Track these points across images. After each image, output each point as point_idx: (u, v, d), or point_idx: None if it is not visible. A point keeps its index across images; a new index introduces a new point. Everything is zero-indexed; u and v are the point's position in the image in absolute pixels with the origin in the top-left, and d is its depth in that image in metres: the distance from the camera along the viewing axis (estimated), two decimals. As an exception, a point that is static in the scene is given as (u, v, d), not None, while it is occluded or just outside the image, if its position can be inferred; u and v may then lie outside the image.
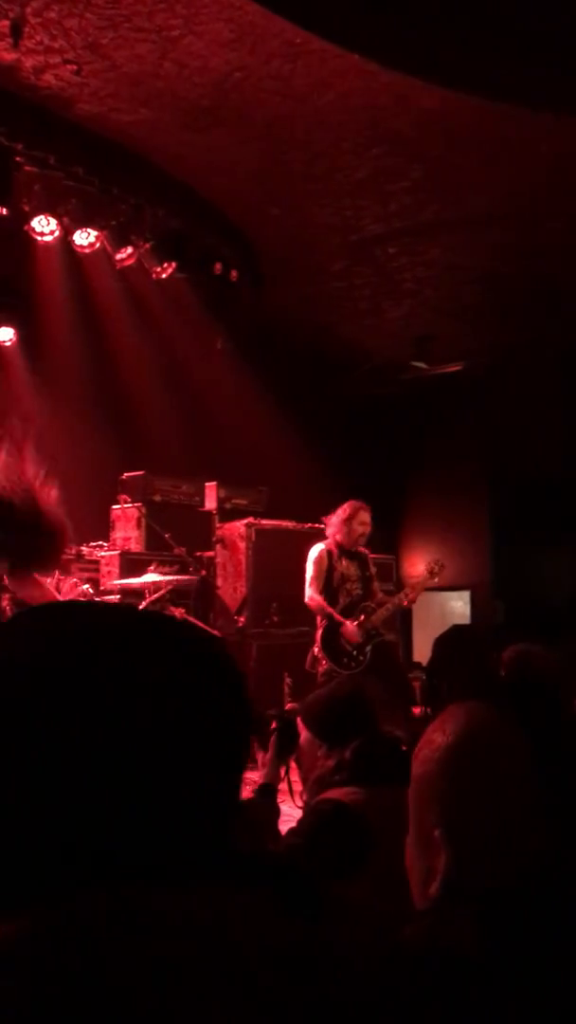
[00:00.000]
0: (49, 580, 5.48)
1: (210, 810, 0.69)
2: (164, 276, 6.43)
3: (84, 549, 6.63)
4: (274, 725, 2.76)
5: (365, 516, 6.01)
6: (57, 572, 5.86)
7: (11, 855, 0.65)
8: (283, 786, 2.79)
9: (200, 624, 6.49)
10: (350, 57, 5.01)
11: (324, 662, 5.87)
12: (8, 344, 8.06)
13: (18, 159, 5.54)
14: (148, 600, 5.29)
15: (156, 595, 5.36)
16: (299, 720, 2.61)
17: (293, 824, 2.29)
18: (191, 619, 6.41)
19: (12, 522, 3.42)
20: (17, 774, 0.65)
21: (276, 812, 2.68)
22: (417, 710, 5.98)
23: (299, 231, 7.08)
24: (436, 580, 6.33)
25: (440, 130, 5.67)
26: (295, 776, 2.78)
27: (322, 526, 6.20)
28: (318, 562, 5.96)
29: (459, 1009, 0.92)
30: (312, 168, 6.20)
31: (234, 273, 6.71)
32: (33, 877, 0.64)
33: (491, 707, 1.24)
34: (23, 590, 4.22)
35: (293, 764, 2.79)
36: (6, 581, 4.23)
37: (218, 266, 6.54)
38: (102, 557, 6.87)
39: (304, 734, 2.55)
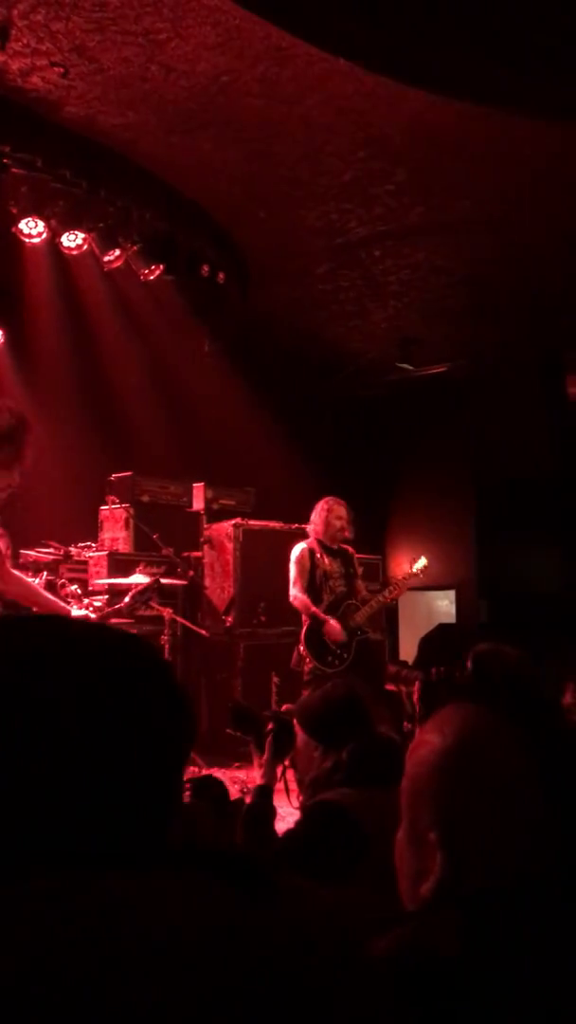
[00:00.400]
0: (37, 581, 5.51)
1: (145, 804, 0.73)
2: (152, 278, 6.46)
3: (72, 549, 6.65)
4: (270, 727, 2.80)
5: (340, 510, 6.11)
6: (44, 573, 5.88)
7: None
8: (279, 787, 2.82)
9: (188, 624, 6.52)
10: (335, 61, 5.06)
11: (309, 660, 5.91)
12: (-5, 345, 8.07)
13: (5, 161, 5.56)
14: (132, 592, 5.31)
15: (138, 588, 5.37)
16: (295, 722, 2.65)
17: (290, 825, 2.32)
18: (179, 619, 6.44)
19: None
20: None
21: (273, 813, 2.72)
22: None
23: (285, 234, 7.12)
24: (420, 576, 6.38)
25: (425, 134, 5.72)
26: (291, 777, 2.81)
27: (309, 526, 6.27)
28: (300, 561, 6.03)
29: (434, 1009, 0.91)
30: (298, 171, 6.24)
31: (221, 275, 6.75)
32: None
33: (487, 708, 1.24)
34: (8, 587, 4.23)
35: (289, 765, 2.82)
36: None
37: (205, 268, 6.57)
38: (90, 558, 6.89)
39: (300, 736, 2.58)
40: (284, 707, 3.16)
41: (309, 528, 6.20)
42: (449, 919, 1.02)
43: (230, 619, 7.04)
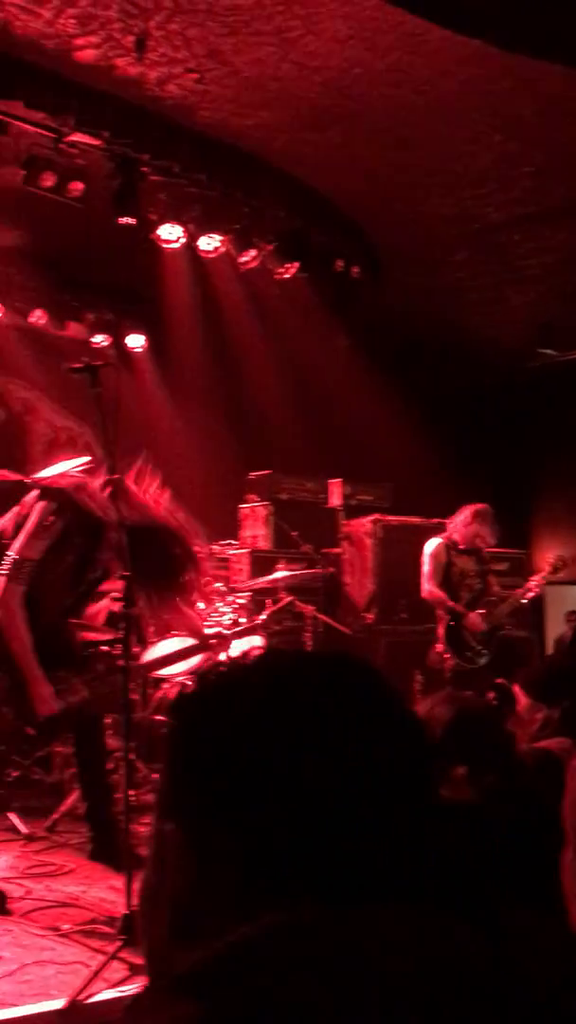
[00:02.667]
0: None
1: (405, 839, 0.73)
2: (287, 276, 6.48)
3: (214, 547, 6.76)
4: (492, 695, 3.10)
5: (485, 531, 5.92)
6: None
7: (254, 869, 0.71)
8: None
9: (329, 621, 6.53)
10: (471, 44, 4.93)
11: (449, 658, 5.82)
12: (139, 351, 8.30)
13: (144, 169, 5.69)
14: (271, 609, 5.34)
15: (279, 604, 5.40)
16: (516, 688, 2.95)
17: None
18: (320, 616, 6.45)
19: (146, 550, 3.56)
20: (270, 800, 0.72)
21: None
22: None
23: (420, 223, 7.01)
24: (560, 575, 6.16)
25: (562, 112, 5.50)
26: None
27: (449, 522, 6.16)
28: (435, 556, 5.92)
29: None
30: (432, 159, 6.13)
31: (355, 269, 6.70)
32: (270, 887, 0.70)
33: None
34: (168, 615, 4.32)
35: None
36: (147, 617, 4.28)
37: (339, 263, 6.55)
38: (232, 555, 6.99)
39: (523, 700, 2.84)
40: (498, 680, 3.54)
41: (449, 524, 6.08)
42: None
43: (371, 616, 7.00)
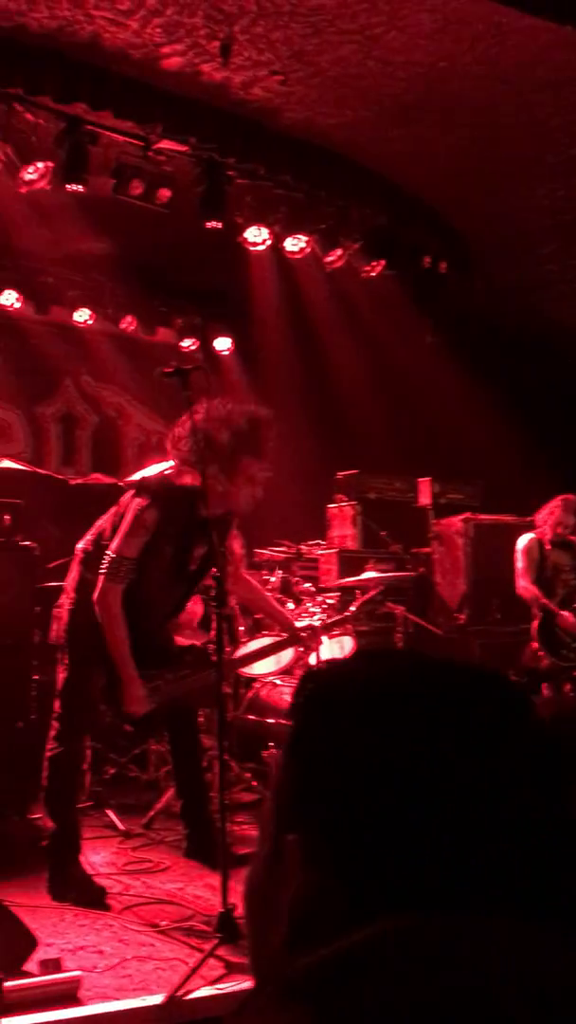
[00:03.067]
0: (272, 579, 5.65)
1: (532, 855, 0.72)
2: (373, 274, 6.45)
3: (303, 548, 6.77)
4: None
5: (570, 520, 5.92)
6: (279, 571, 6.00)
7: (367, 873, 0.70)
8: None
9: (420, 621, 6.46)
10: (560, 31, 4.81)
11: (545, 657, 5.74)
12: (226, 354, 8.38)
13: (230, 173, 5.74)
14: (360, 600, 5.30)
15: (368, 595, 5.35)
16: None
17: None
18: (411, 616, 6.39)
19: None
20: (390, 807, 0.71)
21: None
22: None
23: (509, 216, 6.88)
24: None
25: None
26: None
27: (538, 516, 6.13)
28: (528, 551, 5.90)
29: None
30: (521, 150, 6.01)
31: (443, 265, 6.62)
32: (382, 893, 0.69)
33: None
34: (240, 595, 4.34)
35: None
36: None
37: (427, 259, 6.48)
38: (320, 555, 6.98)
39: None
40: None
41: (538, 519, 6.06)
42: None
43: (463, 616, 6.91)
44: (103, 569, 3.71)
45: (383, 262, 6.39)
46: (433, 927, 0.66)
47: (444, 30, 4.87)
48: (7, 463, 6.31)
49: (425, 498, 7.64)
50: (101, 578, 3.70)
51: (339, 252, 6.25)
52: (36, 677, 4.55)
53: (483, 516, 7.18)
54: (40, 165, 5.19)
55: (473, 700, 0.75)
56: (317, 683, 0.79)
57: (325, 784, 0.73)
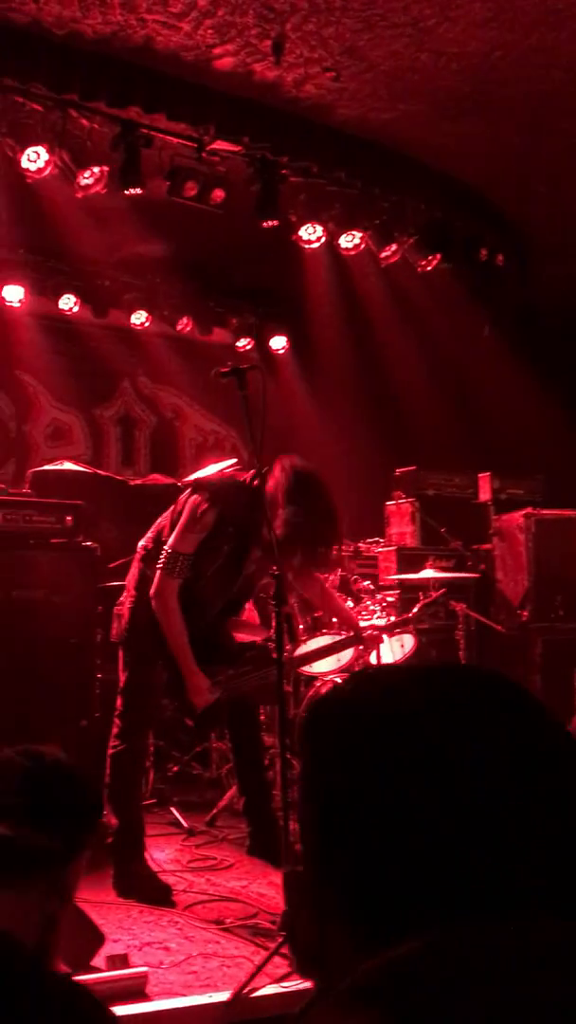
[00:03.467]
0: (331, 577, 5.63)
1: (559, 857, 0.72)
2: (429, 269, 6.39)
3: (361, 545, 6.74)
4: None
5: None
6: (338, 569, 5.99)
7: (406, 883, 0.71)
8: None
9: (482, 619, 6.39)
10: (618, 14, 4.71)
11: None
12: (281, 352, 8.39)
13: (283, 172, 5.73)
14: (424, 601, 5.25)
15: (431, 597, 5.30)
16: None
17: None
18: (472, 614, 6.32)
19: (310, 502, 3.56)
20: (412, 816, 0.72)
21: None
22: None
23: (567, 206, 6.76)
24: None
25: None
26: None
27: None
28: None
29: None
30: (579, 139, 5.90)
31: (500, 257, 6.53)
32: (421, 904, 0.70)
33: None
34: (307, 588, 4.36)
35: None
36: (291, 577, 4.33)
37: (483, 252, 6.40)
38: (379, 553, 6.94)
39: None
40: None
41: None
42: None
43: (525, 613, 6.80)
44: (160, 564, 3.74)
45: (439, 256, 6.32)
46: (495, 932, 0.67)
47: (498, 18, 4.80)
48: (68, 465, 6.41)
49: (485, 494, 7.54)
50: (158, 572, 3.73)
51: (394, 247, 6.20)
52: (99, 675, 4.61)
53: (545, 511, 7.05)
54: (96, 170, 5.24)
55: (477, 704, 0.76)
56: (319, 713, 0.81)
57: (347, 815, 0.74)
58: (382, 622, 4.74)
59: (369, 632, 4.43)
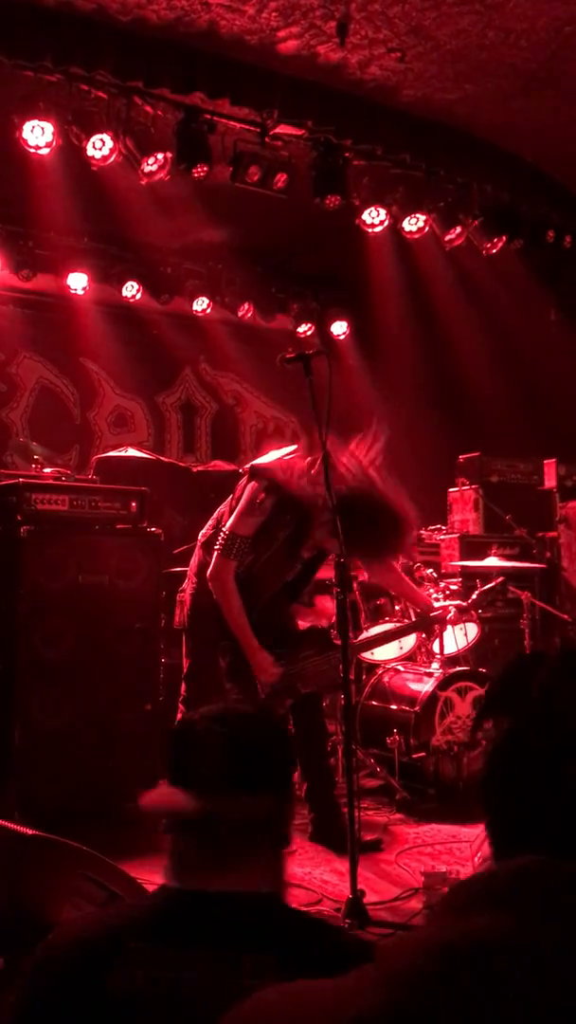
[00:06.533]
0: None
1: None
2: (494, 251, 6.28)
3: (424, 533, 6.68)
4: None
5: None
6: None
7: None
8: None
9: (547, 608, 6.29)
10: None
11: None
12: (342, 338, 8.34)
13: (347, 155, 5.68)
14: (481, 589, 5.19)
15: (489, 585, 5.22)
16: None
17: None
18: (538, 603, 6.22)
19: (355, 518, 3.52)
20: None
21: None
22: None
23: None
24: None
25: None
26: None
27: None
28: None
29: None
30: None
31: (568, 239, 6.39)
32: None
33: None
34: (377, 576, 4.34)
35: None
36: (362, 575, 4.33)
37: (551, 234, 6.27)
38: (442, 540, 6.88)
39: None
40: None
41: None
42: None
43: (591, 602, 6.68)
44: (217, 546, 3.76)
45: (504, 238, 6.21)
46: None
47: (569, -8, 4.68)
48: (132, 451, 6.47)
49: (550, 480, 7.42)
50: (215, 553, 3.75)
51: (459, 230, 6.11)
52: (164, 660, 4.65)
53: (612, 498, 6.92)
54: (159, 156, 5.25)
55: None
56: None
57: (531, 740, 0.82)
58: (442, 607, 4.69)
59: (440, 613, 4.40)
